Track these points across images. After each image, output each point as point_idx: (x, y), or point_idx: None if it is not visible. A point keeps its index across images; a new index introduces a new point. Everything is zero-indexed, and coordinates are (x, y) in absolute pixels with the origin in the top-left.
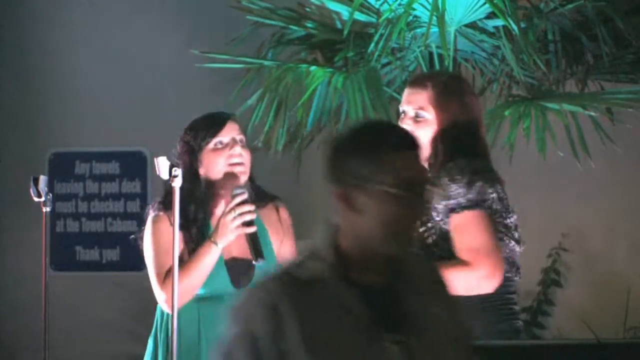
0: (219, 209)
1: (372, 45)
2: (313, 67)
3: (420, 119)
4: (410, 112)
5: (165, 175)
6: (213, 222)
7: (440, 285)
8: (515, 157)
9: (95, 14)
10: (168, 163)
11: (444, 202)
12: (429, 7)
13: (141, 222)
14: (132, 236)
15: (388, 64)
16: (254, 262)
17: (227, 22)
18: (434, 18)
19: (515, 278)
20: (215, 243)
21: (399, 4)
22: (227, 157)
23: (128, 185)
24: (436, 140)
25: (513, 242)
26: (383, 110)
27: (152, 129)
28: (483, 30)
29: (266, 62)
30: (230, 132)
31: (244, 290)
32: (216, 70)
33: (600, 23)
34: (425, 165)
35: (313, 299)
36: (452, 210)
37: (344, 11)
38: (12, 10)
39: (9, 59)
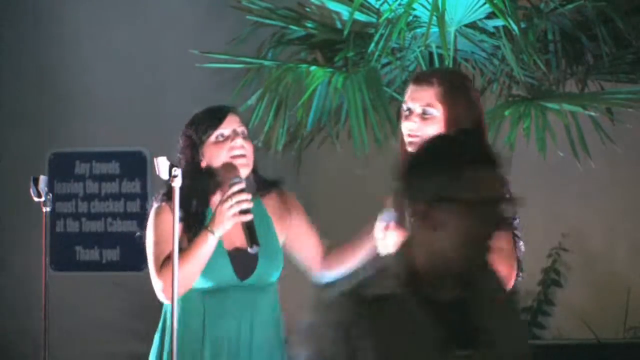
0: (217, 199)
1: (372, 45)
2: (313, 67)
3: (427, 116)
4: (417, 109)
5: (165, 175)
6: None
7: (503, 297)
8: (515, 157)
9: (95, 14)
10: (168, 163)
11: None
12: (429, 7)
13: (141, 222)
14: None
15: (388, 64)
16: (249, 249)
17: (227, 22)
18: (434, 18)
19: (518, 278)
20: (212, 232)
21: (399, 4)
22: (228, 149)
23: (128, 185)
24: None
25: (521, 242)
26: (383, 110)
27: (152, 129)
28: (483, 30)
29: (266, 62)
30: (231, 125)
31: (313, 311)
32: (216, 70)
33: (600, 23)
34: None
35: (386, 317)
36: None
37: (344, 11)
38: (11, 10)
39: (9, 59)
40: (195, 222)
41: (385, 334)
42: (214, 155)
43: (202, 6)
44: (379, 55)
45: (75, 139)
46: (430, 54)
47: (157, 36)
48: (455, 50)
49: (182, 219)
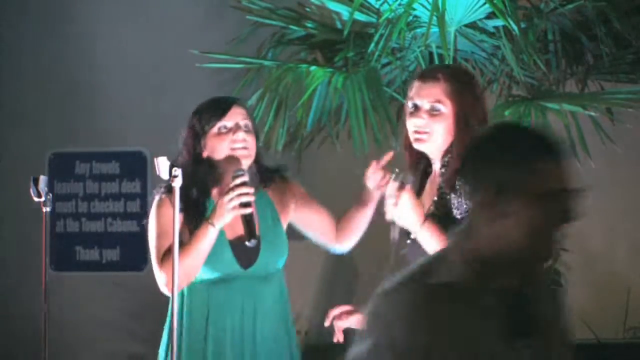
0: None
1: (372, 45)
2: (313, 67)
3: (436, 112)
4: (426, 105)
5: (165, 175)
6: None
7: (553, 286)
8: None
9: (95, 14)
10: (168, 163)
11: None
12: (429, 7)
13: (141, 222)
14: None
15: (388, 64)
16: (247, 243)
17: (227, 22)
18: (434, 18)
19: None
20: (212, 224)
21: (399, 4)
22: (230, 141)
23: (128, 185)
24: (456, 135)
25: None
26: (383, 110)
27: (152, 129)
28: (483, 30)
29: (266, 62)
30: (234, 117)
31: (375, 297)
32: (216, 70)
33: (600, 23)
34: (441, 159)
35: (451, 304)
36: None
37: (344, 11)
38: (10, 10)
39: (9, 59)
40: (196, 213)
41: (449, 322)
42: (216, 147)
43: (202, 6)
44: (379, 55)
45: (75, 139)
46: (430, 54)
47: (157, 36)
48: (455, 50)
49: (182, 210)
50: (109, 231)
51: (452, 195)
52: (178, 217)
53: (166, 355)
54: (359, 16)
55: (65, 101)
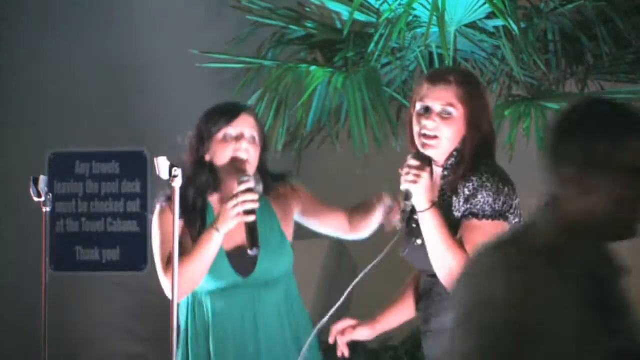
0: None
1: (372, 45)
2: (313, 67)
3: (447, 115)
4: (437, 107)
5: (165, 175)
6: (216, 208)
7: (619, 265)
8: (515, 157)
9: (95, 14)
10: (168, 163)
11: (469, 203)
12: (429, 7)
13: (141, 222)
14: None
15: (388, 64)
16: (248, 251)
17: (227, 22)
18: (434, 18)
19: None
20: (217, 229)
21: (399, 4)
22: (232, 150)
23: (128, 185)
24: (466, 139)
25: None
26: (383, 110)
27: (152, 129)
28: (483, 30)
29: (266, 62)
30: (241, 126)
31: (477, 253)
32: (216, 70)
33: (600, 23)
34: (444, 162)
35: (541, 270)
36: (474, 215)
37: (344, 11)
38: (10, 10)
39: (9, 59)
40: (195, 217)
41: (542, 285)
42: (218, 153)
43: (201, 6)
44: (379, 55)
45: (75, 139)
46: (430, 54)
47: (157, 36)
48: (455, 50)
49: (182, 214)
50: (109, 231)
51: (454, 198)
52: (178, 218)
53: None
54: (359, 16)
55: (65, 101)
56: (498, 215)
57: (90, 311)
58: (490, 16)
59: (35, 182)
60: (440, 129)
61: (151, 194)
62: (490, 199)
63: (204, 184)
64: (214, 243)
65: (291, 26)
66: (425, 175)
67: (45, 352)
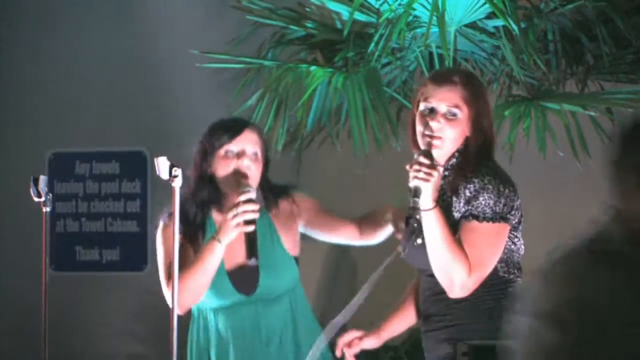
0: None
1: (372, 45)
2: (313, 67)
3: (452, 116)
4: (443, 108)
5: (165, 175)
6: (218, 222)
7: None
8: (515, 157)
9: (95, 14)
10: (168, 163)
11: (470, 205)
12: (429, 7)
13: (141, 222)
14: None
15: (388, 64)
16: (248, 262)
17: (227, 22)
18: (434, 18)
19: (518, 279)
20: (219, 241)
21: (399, 4)
22: (234, 166)
23: (128, 185)
24: (470, 140)
25: (521, 243)
26: (383, 110)
27: (152, 129)
28: (483, 30)
29: (266, 62)
30: (243, 142)
31: (557, 255)
32: (216, 70)
33: (600, 23)
34: (445, 163)
35: (613, 273)
36: (475, 216)
37: (344, 11)
38: (10, 9)
39: (9, 59)
40: (197, 231)
41: (613, 286)
42: (219, 169)
43: (201, 6)
44: (379, 55)
45: (75, 139)
46: (430, 54)
47: (157, 36)
48: (455, 50)
49: (184, 228)
50: (109, 231)
51: (454, 199)
52: (178, 217)
53: None
54: (359, 16)
55: (65, 101)
56: (498, 217)
57: (90, 311)
58: (490, 16)
59: (35, 182)
60: (444, 131)
61: (151, 194)
62: (492, 201)
63: (206, 198)
64: (216, 254)
65: (291, 26)
66: (436, 173)
67: (45, 352)
